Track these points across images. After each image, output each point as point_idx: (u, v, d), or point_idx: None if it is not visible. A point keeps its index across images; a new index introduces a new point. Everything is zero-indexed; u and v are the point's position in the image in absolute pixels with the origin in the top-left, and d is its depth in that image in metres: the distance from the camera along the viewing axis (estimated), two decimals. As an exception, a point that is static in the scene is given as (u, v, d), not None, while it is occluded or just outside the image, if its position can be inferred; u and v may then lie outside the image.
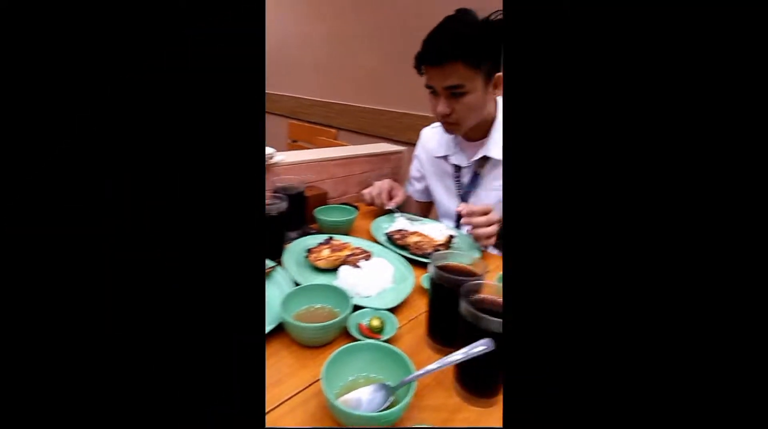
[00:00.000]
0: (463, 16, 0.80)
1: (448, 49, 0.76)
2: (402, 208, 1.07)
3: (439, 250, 0.76)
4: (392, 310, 0.59)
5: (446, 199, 1.06)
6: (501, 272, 0.66)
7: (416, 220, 0.94)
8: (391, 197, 1.00)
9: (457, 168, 1.00)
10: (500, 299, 0.47)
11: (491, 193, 0.96)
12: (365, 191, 1.00)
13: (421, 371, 0.41)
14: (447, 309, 0.48)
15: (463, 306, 0.43)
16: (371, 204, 1.00)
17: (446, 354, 0.42)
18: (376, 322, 0.53)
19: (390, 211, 0.99)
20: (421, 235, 0.83)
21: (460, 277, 0.48)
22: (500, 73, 0.83)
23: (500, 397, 0.45)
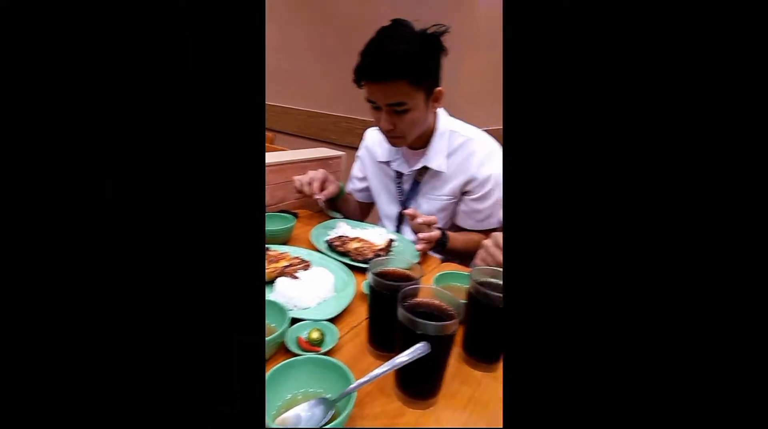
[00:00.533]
0: (399, 28, 0.80)
1: (390, 67, 0.76)
2: (337, 205, 1.06)
3: (379, 256, 0.77)
4: (334, 319, 0.58)
5: (387, 202, 1.08)
6: (439, 273, 0.68)
7: (358, 226, 0.94)
8: (322, 188, 0.96)
9: (399, 174, 1.02)
10: (437, 301, 0.48)
11: (431, 201, 0.99)
12: (296, 178, 0.95)
13: (359, 381, 0.41)
14: (386, 315, 0.48)
15: (400, 311, 0.44)
16: (300, 191, 0.95)
17: (388, 360, 0.42)
18: (315, 335, 0.52)
19: (321, 208, 0.97)
20: (361, 240, 0.83)
21: (397, 283, 0.49)
22: (440, 88, 0.86)
23: (438, 398, 0.46)
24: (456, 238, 0.91)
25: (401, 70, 0.76)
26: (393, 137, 0.88)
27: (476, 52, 1.47)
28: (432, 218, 0.82)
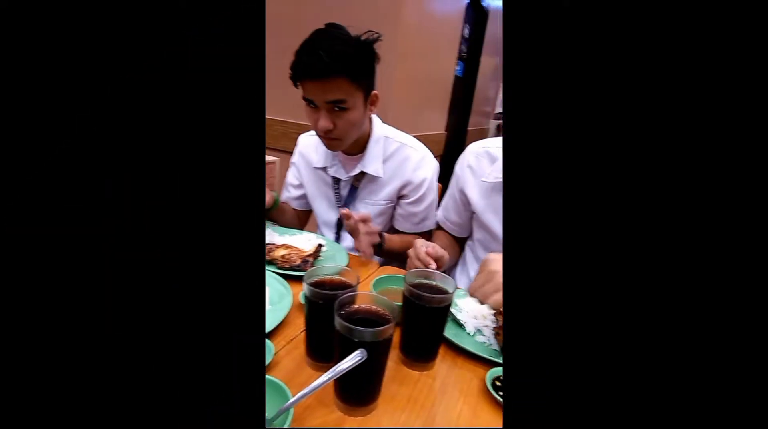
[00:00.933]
0: (334, 30, 0.80)
1: (330, 63, 0.76)
2: (272, 216, 1.02)
3: (307, 261, 0.75)
4: (270, 333, 0.56)
5: (326, 209, 1.06)
6: (377, 277, 0.69)
7: (285, 232, 0.92)
8: None
9: (336, 180, 1.01)
10: (373, 306, 0.49)
11: (369, 206, 1.01)
12: None
13: (296, 396, 0.40)
14: (324, 325, 0.48)
15: (337, 320, 0.44)
16: None
17: (327, 371, 0.42)
18: (249, 352, 0.49)
19: None
20: (289, 247, 0.81)
21: (333, 292, 0.49)
22: (376, 92, 0.87)
23: (378, 403, 0.47)
24: (392, 240, 0.93)
25: (341, 66, 0.76)
26: (331, 139, 0.87)
27: (405, 63, 1.53)
28: (366, 214, 0.82)
